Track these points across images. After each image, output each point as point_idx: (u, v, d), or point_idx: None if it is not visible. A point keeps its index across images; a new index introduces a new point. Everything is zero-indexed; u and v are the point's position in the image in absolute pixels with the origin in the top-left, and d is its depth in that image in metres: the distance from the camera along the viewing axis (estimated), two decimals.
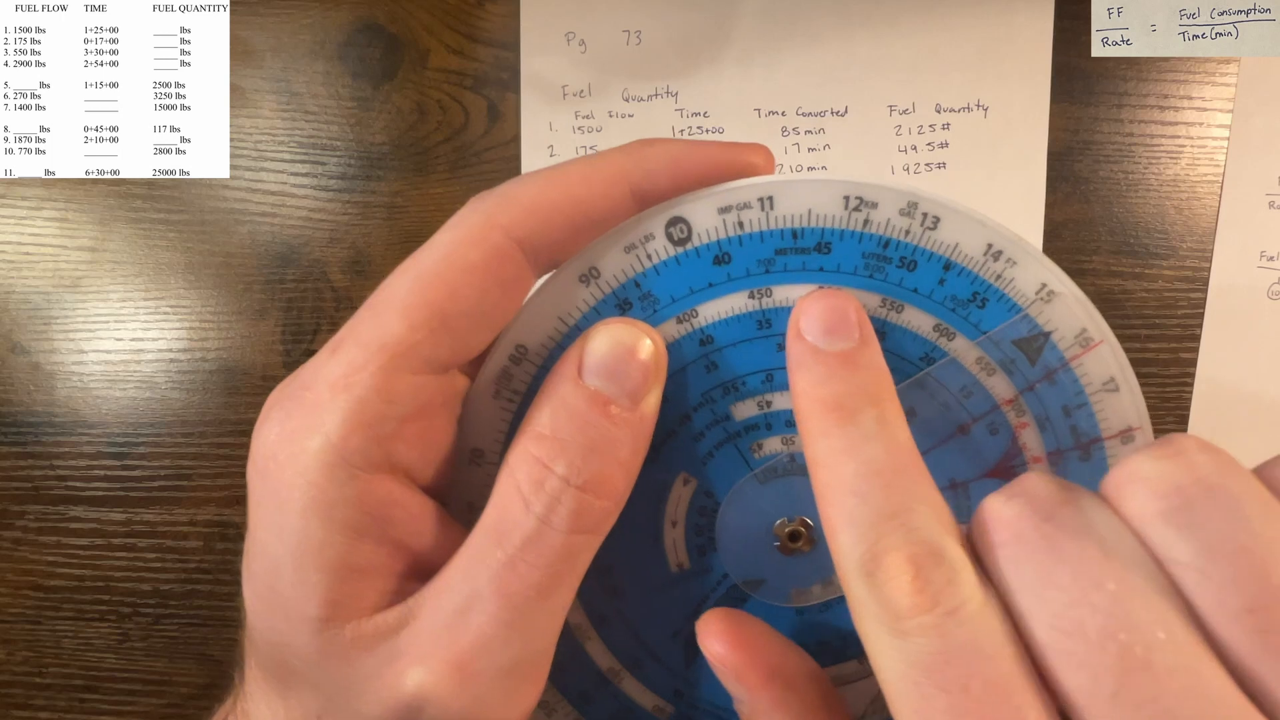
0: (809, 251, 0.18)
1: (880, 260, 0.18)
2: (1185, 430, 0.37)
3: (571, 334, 0.19)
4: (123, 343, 0.40)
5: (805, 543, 0.19)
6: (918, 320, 0.18)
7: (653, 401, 0.18)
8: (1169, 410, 0.37)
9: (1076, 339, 0.18)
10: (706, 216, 0.18)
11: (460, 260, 0.17)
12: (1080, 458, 0.18)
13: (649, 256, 0.18)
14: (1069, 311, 0.18)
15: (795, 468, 0.19)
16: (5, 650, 0.42)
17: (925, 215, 0.18)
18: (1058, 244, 0.37)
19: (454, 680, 0.16)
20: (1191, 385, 0.37)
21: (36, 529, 0.41)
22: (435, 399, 0.18)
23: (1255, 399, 0.37)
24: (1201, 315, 0.37)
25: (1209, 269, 0.37)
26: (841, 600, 0.20)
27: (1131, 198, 0.37)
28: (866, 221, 0.18)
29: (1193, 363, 0.37)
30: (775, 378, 0.19)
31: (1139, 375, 0.18)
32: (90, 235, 0.40)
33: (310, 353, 0.40)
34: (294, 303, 0.40)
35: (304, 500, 0.16)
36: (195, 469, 0.41)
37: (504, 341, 0.19)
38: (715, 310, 0.19)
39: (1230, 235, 0.37)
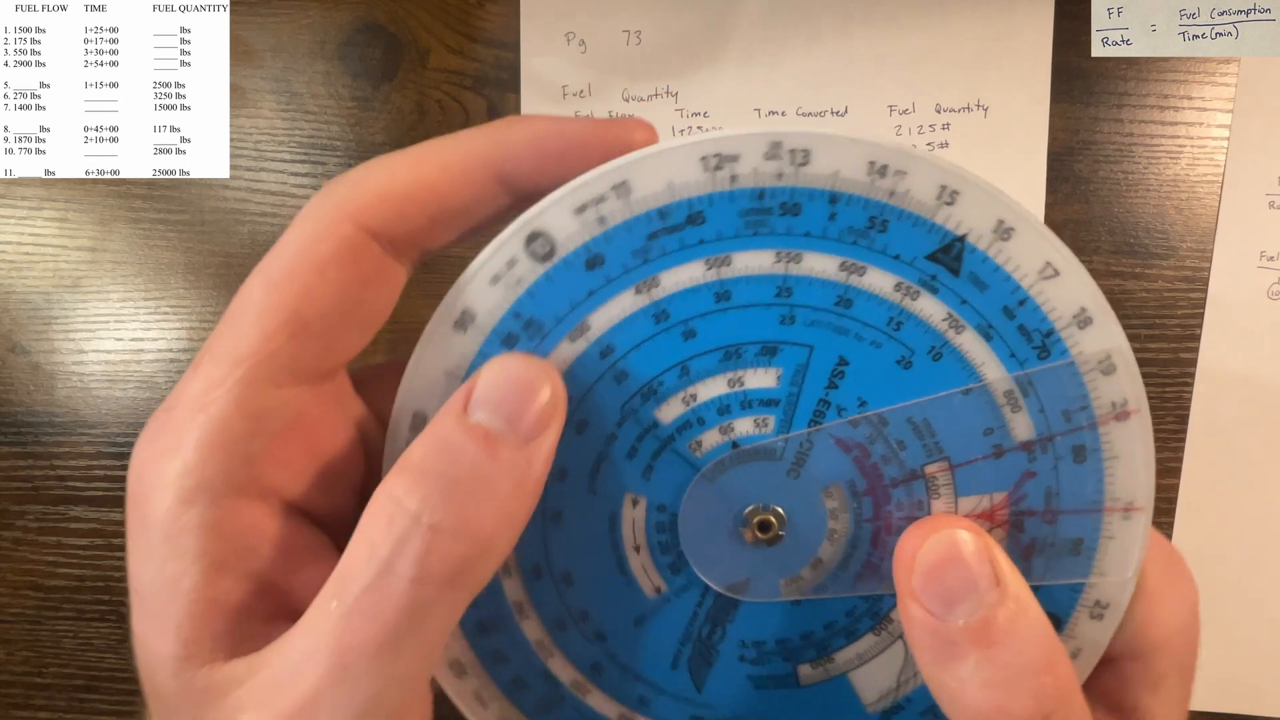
0: (682, 227, 0.17)
1: (760, 214, 0.17)
2: (1185, 430, 0.37)
3: None
4: (123, 343, 0.40)
5: (776, 533, 0.18)
6: (820, 264, 0.17)
7: (547, 441, 0.16)
8: (1169, 410, 0.37)
9: (995, 232, 0.17)
10: (564, 221, 0.17)
11: (311, 257, 0.16)
12: (1039, 356, 0.17)
13: (518, 281, 0.17)
14: (979, 206, 0.16)
15: (742, 455, 0.18)
16: (5, 650, 0.42)
17: (793, 152, 0.16)
18: None
19: None
20: (1191, 385, 0.37)
21: (36, 529, 0.41)
22: (312, 411, 0.16)
23: (1255, 399, 0.37)
24: (1201, 315, 0.37)
25: (1209, 269, 0.37)
26: (836, 578, 0.19)
27: (1131, 198, 0.37)
28: (733, 178, 0.16)
29: (1193, 363, 0.37)
30: (690, 369, 0.18)
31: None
32: (90, 235, 0.40)
33: None
34: None
35: (162, 528, 0.15)
36: None
37: (401, 412, 0.17)
38: (606, 317, 0.17)
39: (1230, 235, 0.37)
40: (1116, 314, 0.17)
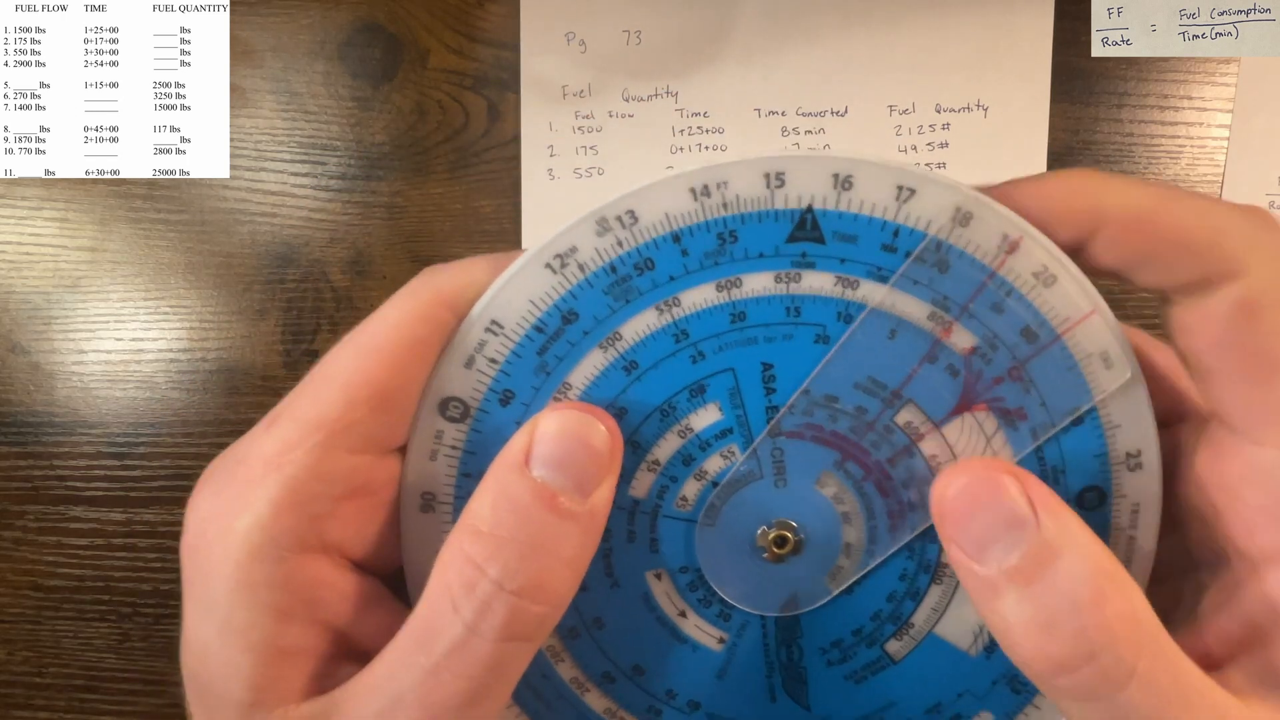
0: (562, 331, 0.17)
1: (621, 283, 0.17)
2: None
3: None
4: (123, 343, 0.40)
5: (795, 541, 0.18)
6: (698, 297, 0.17)
7: (605, 493, 0.16)
8: None
9: (836, 188, 0.17)
10: (462, 379, 0.17)
11: (405, 335, 0.16)
12: (940, 270, 0.17)
13: (453, 449, 0.18)
14: (808, 175, 0.17)
15: (727, 489, 0.18)
16: (5, 650, 0.42)
17: (619, 218, 0.17)
18: None
19: None
20: None
21: (36, 529, 0.41)
22: (376, 478, 0.17)
23: None
24: None
25: None
26: (874, 550, 0.19)
27: None
28: (580, 267, 0.17)
29: None
30: (639, 441, 0.18)
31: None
32: (90, 235, 0.40)
33: (310, 353, 0.40)
34: (294, 303, 0.40)
35: (230, 581, 0.16)
36: (195, 469, 0.41)
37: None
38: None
39: None
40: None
